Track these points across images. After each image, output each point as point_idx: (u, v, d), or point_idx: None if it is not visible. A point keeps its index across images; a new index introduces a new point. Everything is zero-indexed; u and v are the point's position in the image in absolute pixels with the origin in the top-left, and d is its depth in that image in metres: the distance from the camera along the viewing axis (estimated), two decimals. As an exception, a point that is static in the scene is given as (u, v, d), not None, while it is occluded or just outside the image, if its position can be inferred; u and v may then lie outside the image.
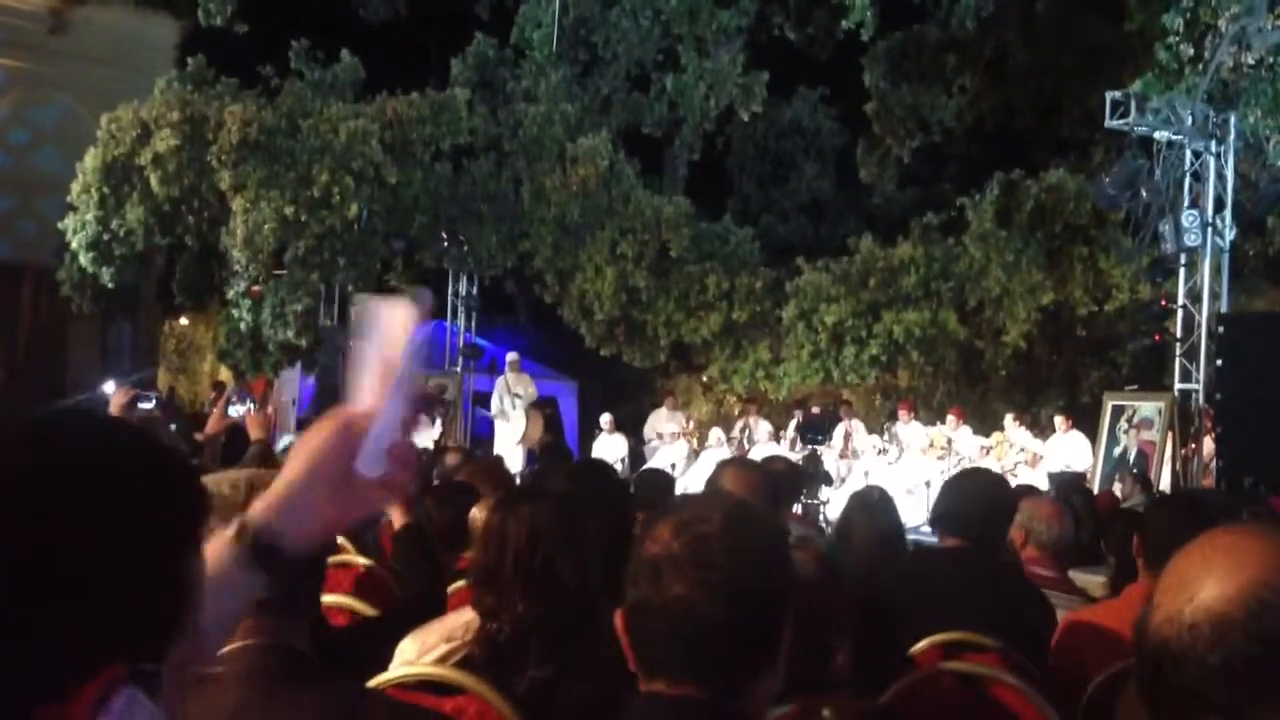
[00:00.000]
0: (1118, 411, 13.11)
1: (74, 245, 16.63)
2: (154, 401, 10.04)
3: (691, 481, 14.69)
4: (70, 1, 21.83)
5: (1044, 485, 12.03)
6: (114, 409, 7.10)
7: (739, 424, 17.15)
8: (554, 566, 2.64)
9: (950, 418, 15.49)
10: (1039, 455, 14.35)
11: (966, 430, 15.38)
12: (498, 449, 15.59)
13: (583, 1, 21.55)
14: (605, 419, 17.21)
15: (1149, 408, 12.85)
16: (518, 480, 8.07)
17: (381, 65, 19.25)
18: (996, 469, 13.30)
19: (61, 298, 17.97)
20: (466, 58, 20.57)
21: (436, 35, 21.45)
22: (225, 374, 19.12)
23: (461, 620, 2.78)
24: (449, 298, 19.06)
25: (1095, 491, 10.83)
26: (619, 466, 15.92)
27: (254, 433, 6.31)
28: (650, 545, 1.71)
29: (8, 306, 22.24)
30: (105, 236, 16.36)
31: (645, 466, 16.04)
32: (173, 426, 8.63)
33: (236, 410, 6.06)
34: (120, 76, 20.14)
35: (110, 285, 16.87)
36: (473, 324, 19.04)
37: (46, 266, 18.90)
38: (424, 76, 18.69)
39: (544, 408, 14.83)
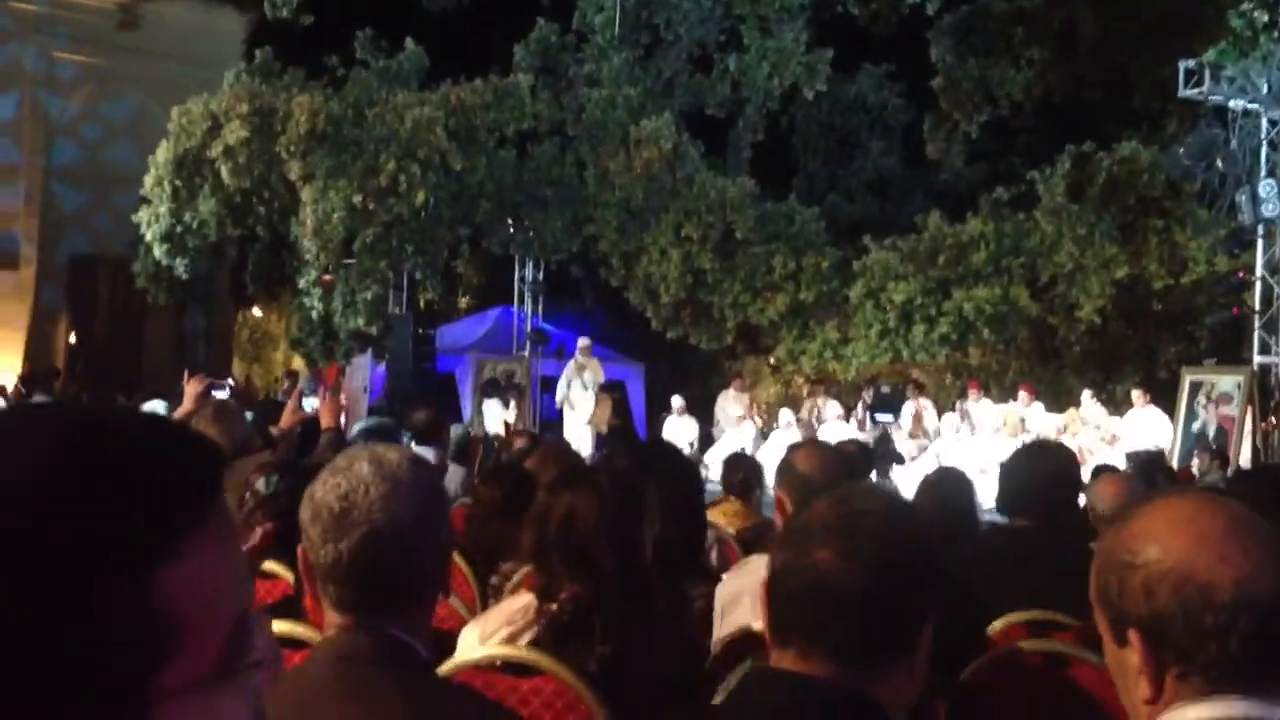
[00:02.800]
0: (1195, 386, 12.87)
1: (148, 238, 16.93)
2: (228, 390, 10.23)
3: (762, 463, 14.64)
4: (140, -2, 22.20)
5: (1122, 463, 11.84)
6: (188, 399, 7.21)
7: (807, 405, 17.06)
8: (592, 547, 2.67)
9: (1022, 394, 15.28)
10: (1116, 433, 14.10)
11: (1040, 408, 15.16)
12: (567, 433, 15.65)
13: (645, -16, 21.49)
14: (676, 402, 17.20)
15: (1228, 382, 12.60)
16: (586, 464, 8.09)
17: (445, 53, 19.36)
18: (1073, 447, 13.11)
19: (137, 289, 18.32)
20: (529, 44, 20.61)
21: (499, 22, 21.51)
22: (298, 362, 19.39)
23: (519, 604, 2.81)
24: (515, 283, 19.16)
25: (1174, 468, 10.63)
26: (689, 449, 15.91)
27: (325, 420, 6.38)
28: (806, 515, 1.72)
29: (85, 299, 22.74)
30: (178, 229, 16.65)
31: (714, 447, 16.04)
32: (247, 414, 8.75)
33: (310, 403, 6.10)
34: (189, 70, 20.48)
35: (184, 276, 17.18)
36: (539, 309, 19.12)
37: (121, 259, 19.29)
38: (487, 63, 18.77)
39: (612, 391, 14.86)
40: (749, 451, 15.01)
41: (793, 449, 4.42)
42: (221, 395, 9.35)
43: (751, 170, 20.81)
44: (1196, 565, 1.37)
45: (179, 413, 6.93)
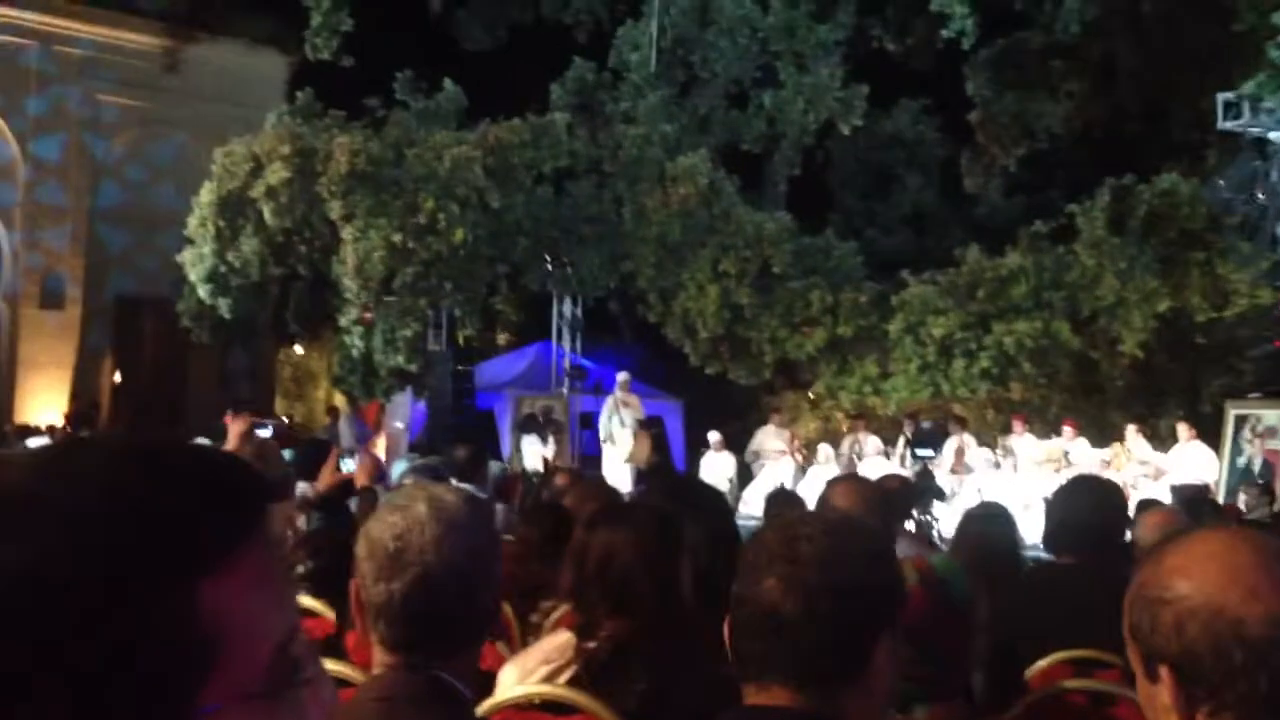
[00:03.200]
0: (1240, 420, 12.71)
1: (192, 278, 17.14)
2: (270, 428, 10.32)
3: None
4: (183, 40, 22.56)
5: (1168, 498, 11.68)
6: (232, 437, 7.30)
7: (847, 440, 16.98)
8: (632, 584, 2.67)
9: (1066, 429, 15.14)
10: (1161, 468, 13.93)
11: (1083, 442, 15.01)
12: (606, 469, 15.64)
13: (680, 23, 21.65)
14: (713, 437, 17.16)
15: (1273, 416, 12.45)
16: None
17: (483, 93, 19.58)
18: (1117, 482, 12.97)
19: (180, 329, 18.52)
20: (566, 82, 20.80)
21: (536, 61, 21.73)
22: (339, 400, 19.52)
23: (557, 642, 2.80)
24: (553, 320, 19.23)
25: (1220, 503, 10.49)
26: (727, 485, 15.86)
27: (360, 480, 6.42)
28: (754, 546, 1.75)
29: (129, 338, 23.00)
30: (221, 268, 16.85)
31: (753, 483, 15.98)
32: (286, 453, 8.84)
33: (348, 465, 6.15)
34: (232, 112, 20.78)
35: (227, 316, 17.36)
36: (577, 345, 19.17)
37: (166, 299, 19.51)
38: (525, 102, 18.94)
39: (651, 427, 14.84)
40: (788, 487, 14.96)
41: (831, 484, 4.41)
42: (264, 433, 9.43)
43: (788, 205, 20.85)
44: (1227, 600, 1.36)
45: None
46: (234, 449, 6.73)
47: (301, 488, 6.78)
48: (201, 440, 9.34)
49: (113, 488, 0.82)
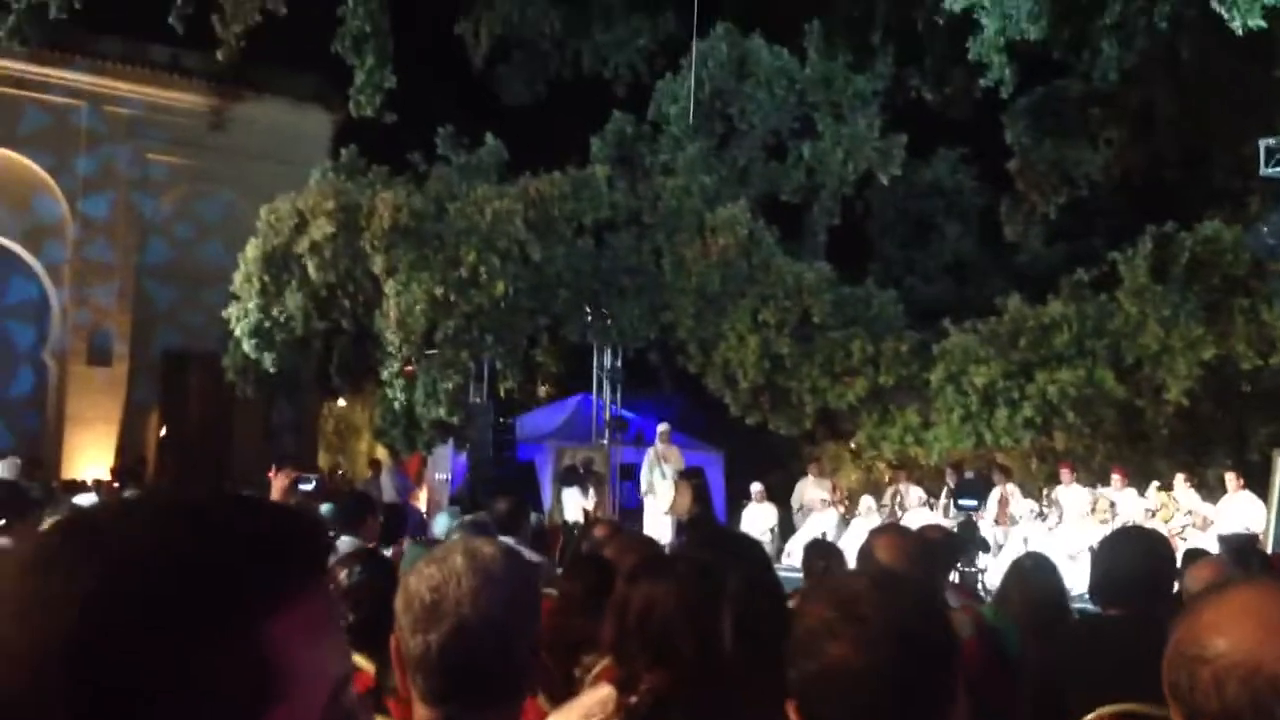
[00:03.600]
0: (1289, 468, 12.52)
1: (237, 332, 17.34)
2: (314, 482, 10.37)
3: (843, 550, 14.46)
4: (230, 100, 22.98)
5: (1215, 548, 11.51)
6: (275, 491, 7.34)
7: (889, 491, 16.87)
8: (673, 637, 2.66)
9: (1115, 478, 14.97)
10: (1209, 518, 13.74)
11: (1131, 492, 14.84)
12: (646, 521, 15.62)
13: (717, 75, 21.82)
14: (755, 488, 17.11)
15: (1323, 463, 12.25)
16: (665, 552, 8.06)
17: (524, 146, 19.79)
18: (1164, 531, 12.80)
19: (226, 383, 18.72)
20: (605, 135, 20.98)
21: (576, 115, 21.96)
22: (381, 452, 19.63)
23: (598, 696, 2.80)
24: (594, 371, 19.28)
25: (1269, 552, 10.32)
26: (768, 536, 15.79)
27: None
28: (804, 620, 1.74)
29: (176, 393, 23.28)
30: (266, 323, 17.04)
31: (796, 535, 15.88)
32: (324, 507, 8.85)
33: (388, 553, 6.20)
34: (278, 169, 21.11)
35: (272, 370, 17.53)
36: (618, 397, 19.20)
37: (211, 354, 19.75)
38: (565, 155, 19.12)
39: (691, 478, 14.81)
40: (831, 538, 14.86)
41: (874, 535, 4.38)
42: (307, 487, 9.49)
43: (827, 255, 20.86)
44: (1265, 656, 1.34)
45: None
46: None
47: (343, 541, 6.81)
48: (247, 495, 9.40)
49: (185, 532, 0.87)
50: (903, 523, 14.37)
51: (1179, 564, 5.06)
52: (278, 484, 7.52)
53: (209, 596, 0.85)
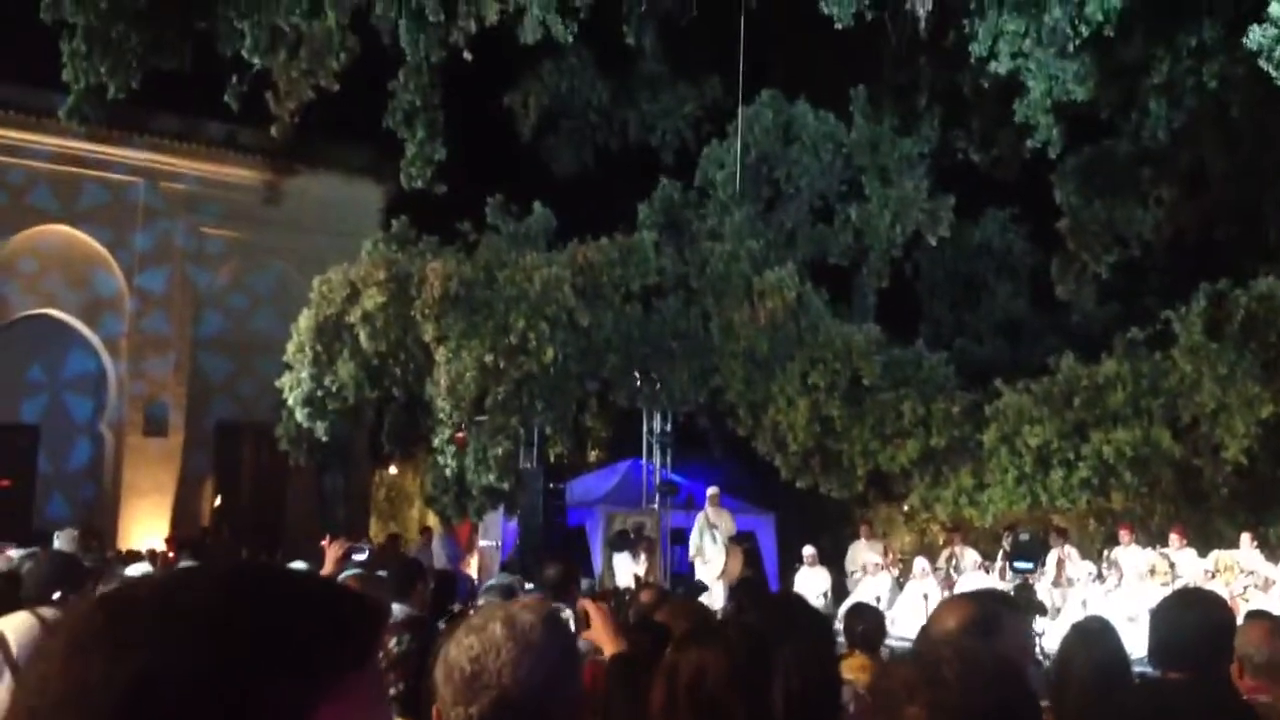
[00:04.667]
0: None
1: (290, 402, 17.52)
2: (366, 552, 10.36)
3: (898, 614, 14.28)
4: (283, 174, 23.42)
5: (1278, 609, 11.23)
6: (329, 562, 7.37)
7: (944, 553, 16.65)
8: (723, 704, 2.63)
9: (1173, 538, 14.70)
10: (1270, 578, 13.43)
11: (1191, 553, 14.55)
12: (698, 584, 15.50)
13: (763, 140, 21.98)
14: (808, 551, 16.96)
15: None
16: (718, 617, 7.98)
17: (572, 214, 20.00)
18: (1224, 594, 12.52)
19: (279, 452, 18.89)
20: (653, 201, 21.15)
21: (624, 182, 22.17)
22: (432, 520, 19.67)
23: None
24: (644, 436, 19.26)
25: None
26: (821, 600, 15.61)
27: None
28: (886, 680, 1.74)
29: (230, 463, 23.52)
30: (319, 392, 17.21)
31: (849, 599, 15.69)
32: (382, 572, 8.86)
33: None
34: (331, 240, 21.44)
35: (324, 438, 17.68)
36: (668, 461, 19.16)
37: (265, 423, 19.96)
38: (613, 222, 19.28)
39: (743, 542, 14.73)
40: (885, 601, 14.68)
41: (940, 606, 4.32)
42: (360, 557, 9.50)
43: (877, 316, 20.83)
44: None
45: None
46: (330, 573, 6.79)
47: (395, 609, 6.81)
48: (299, 564, 9.44)
49: (241, 612, 0.86)
50: (959, 586, 14.19)
51: (1243, 623, 4.97)
52: (331, 554, 7.54)
53: (258, 687, 0.83)
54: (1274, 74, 11.85)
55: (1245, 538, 14.18)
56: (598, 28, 19.73)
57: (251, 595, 0.88)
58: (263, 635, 0.85)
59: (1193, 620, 3.93)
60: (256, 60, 18.10)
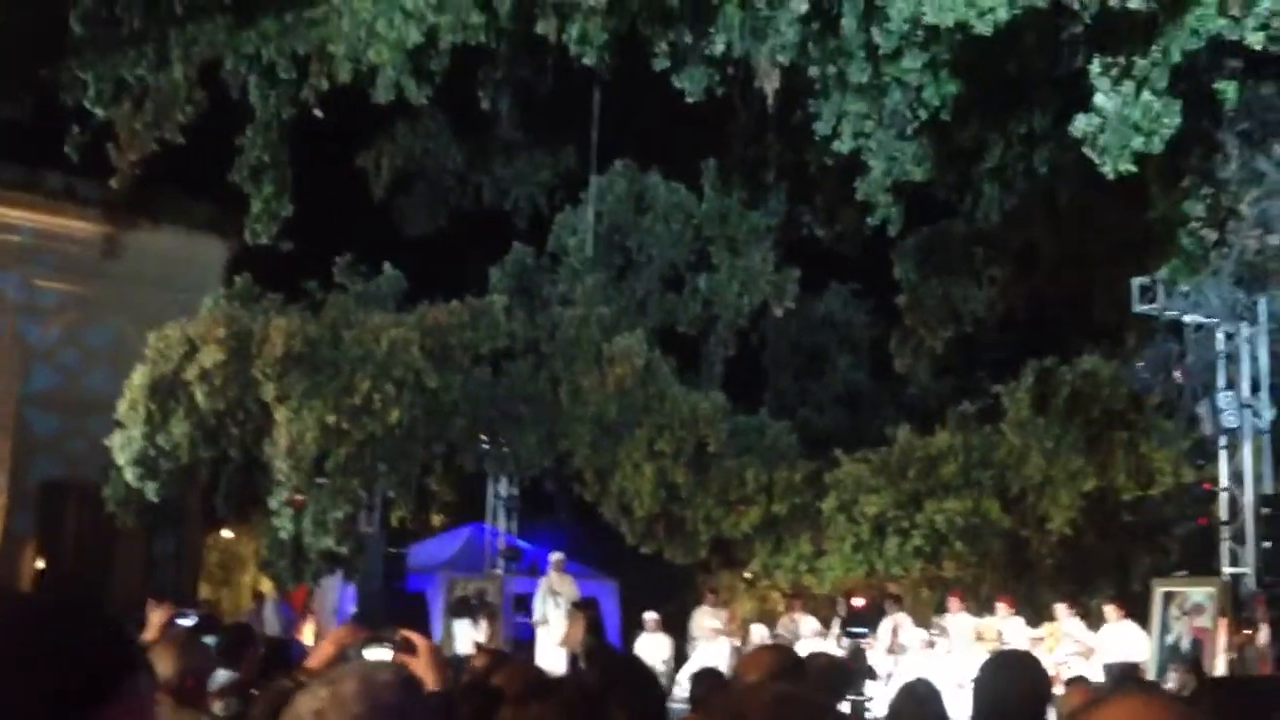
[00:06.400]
0: (1168, 598, 12.82)
1: (120, 461, 16.91)
2: (194, 619, 10.06)
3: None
4: (123, 227, 22.75)
5: (1099, 677, 11.65)
6: (151, 628, 7.12)
7: (783, 620, 16.86)
8: None
9: (1000, 607, 15.16)
10: (1092, 647, 13.94)
11: (1018, 621, 15.03)
12: (540, 653, 15.36)
13: (616, 209, 22.27)
14: (649, 617, 16.97)
15: (1199, 593, 12.57)
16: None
17: (424, 275, 19.88)
18: (1049, 661, 12.94)
19: (107, 514, 18.18)
20: (505, 265, 21.19)
21: (476, 245, 22.16)
22: (265, 585, 19.11)
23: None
24: (489, 500, 19.12)
25: (1151, 681, 10.50)
26: (662, 666, 15.61)
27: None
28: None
29: (54, 524, 22.50)
30: (151, 452, 16.65)
31: (687, 664, 15.72)
32: (209, 639, 8.57)
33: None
34: (171, 296, 20.84)
35: (155, 500, 17.08)
36: (513, 525, 19.03)
37: (92, 484, 19.19)
38: (464, 285, 19.24)
39: (585, 609, 14.64)
40: (724, 668, 14.74)
41: (748, 656, 4.39)
42: (186, 623, 9.22)
43: (724, 385, 21.13)
44: None
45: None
46: (152, 639, 6.56)
47: (220, 675, 6.61)
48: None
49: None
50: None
51: (1061, 689, 5.18)
52: (154, 619, 7.29)
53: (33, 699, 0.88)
54: (1097, 161, 12.49)
55: (1061, 608, 14.67)
56: (454, 91, 19.76)
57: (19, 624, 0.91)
58: (32, 662, 0.91)
59: (1010, 683, 4.09)
60: (99, 110, 17.63)
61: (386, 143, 23.29)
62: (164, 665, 5.94)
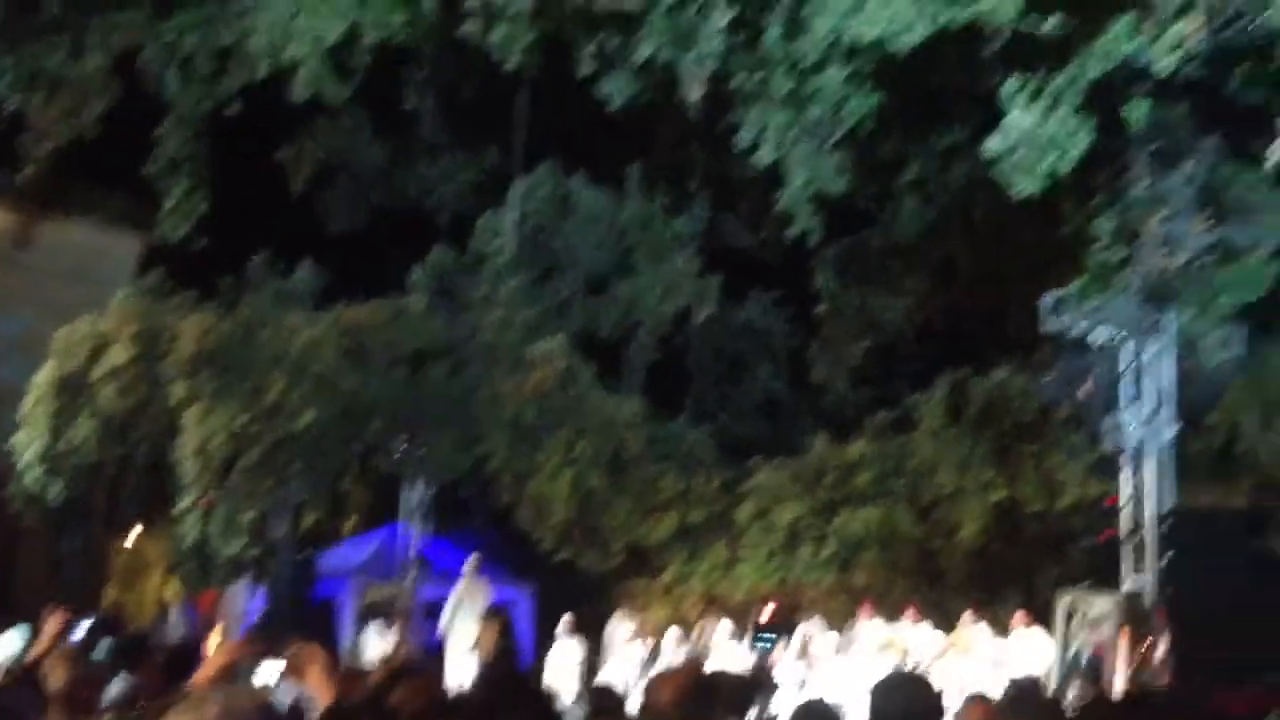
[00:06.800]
0: (1070, 610, 13.05)
1: (25, 459, 16.52)
2: (92, 624, 9.86)
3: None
4: (34, 218, 22.23)
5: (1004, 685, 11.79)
6: (46, 637, 6.95)
7: (698, 627, 16.89)
8: None
9: (906, 615, 15.35)
10: (997, 659, 14.13)
11: (926, 627, 15.22)
12: (450, 659, 15.25)
13: (540, 212, 22.20)
14: (564, 622, 16.92)
15: (1101, 606, 12.80)
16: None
17: (344, 275, 19.65)
18: (957, 670, 13.13)
19: (11, 514, 17.73)
20: (426, 265, 21.02)
21: (398, 244, 21.96)
22: (170, 591, 18.77)
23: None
24: (404, 504, 18.94)
25: (1051, 692, 10.67)
26: (577, 671, 15.59)
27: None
28: None
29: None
30: (56, 450, 16.27)
31: (599, 676, 15.71)
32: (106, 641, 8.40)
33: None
34: (84, 291, 20.37)
35: (59, 499, 16.70)
36: (430, 529, 18.86)
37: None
38: (384, 285, 19.05)
39: (497, 615, 14.56)
40: (637, 674, 14.78)
41: (653, 682, 4.41)
42: (85, 623, 9.03)
43: (645, 391, 21.15)
44: None
45: (33, 652, 6.69)
46: (44, 650, 6.41)
47: (116, 682, 6.47)
48: (15, 632, 8.84)
49: None
50: (711, 659, 14.40)
51: (962, 706, 5.23)
52: (49, 628, 7.11)
53: None
54: (1005, 183, 12.70)
55: (966, 615, 14.86)
56: (378, 89, 19.56)
57: None
58: None
59: (900, 703, 4.12)
60: (13, 99, 17.20)
61: (307, 139, 23.00)
62: (55, 676, 5.81)
